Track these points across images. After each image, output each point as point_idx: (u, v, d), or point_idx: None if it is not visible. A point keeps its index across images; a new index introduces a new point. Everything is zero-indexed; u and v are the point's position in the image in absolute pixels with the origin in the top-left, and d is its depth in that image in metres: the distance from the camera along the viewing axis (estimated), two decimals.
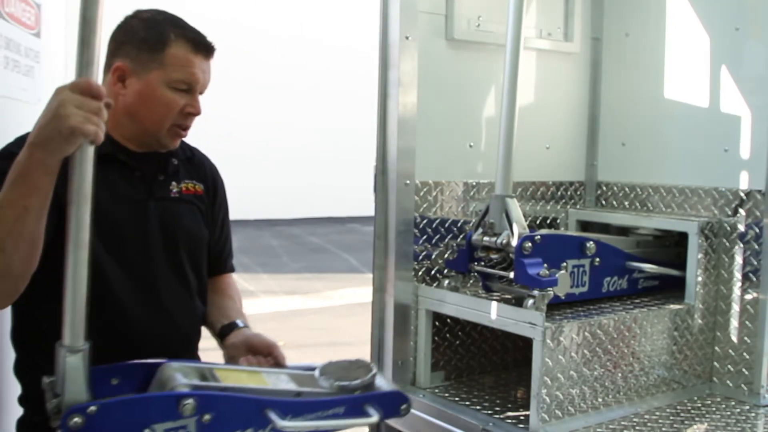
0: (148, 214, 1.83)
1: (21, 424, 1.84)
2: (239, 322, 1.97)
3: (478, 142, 2.49)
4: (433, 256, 2.36)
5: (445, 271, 2.33)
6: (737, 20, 2.39)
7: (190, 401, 1.52)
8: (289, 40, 16.57)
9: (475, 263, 2.19)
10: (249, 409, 1.61)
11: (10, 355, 1.90)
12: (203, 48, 1.83)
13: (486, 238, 2.11)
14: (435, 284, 2.34)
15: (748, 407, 2.22)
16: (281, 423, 1.60)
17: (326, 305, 9.19)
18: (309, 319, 8.35)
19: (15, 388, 1.88)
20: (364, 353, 2.47)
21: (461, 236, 2.37)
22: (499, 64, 2.18)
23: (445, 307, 2.21)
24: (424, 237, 2.35)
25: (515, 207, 2.09)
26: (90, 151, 1.43)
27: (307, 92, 16.92)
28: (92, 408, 1.45)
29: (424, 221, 2.35)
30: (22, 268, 1.52)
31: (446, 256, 2.34)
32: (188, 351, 1.91)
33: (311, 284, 10.18)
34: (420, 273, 2.34)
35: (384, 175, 2.28)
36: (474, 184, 2.47)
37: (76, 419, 1.43)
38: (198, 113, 1.85)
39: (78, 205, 1.42)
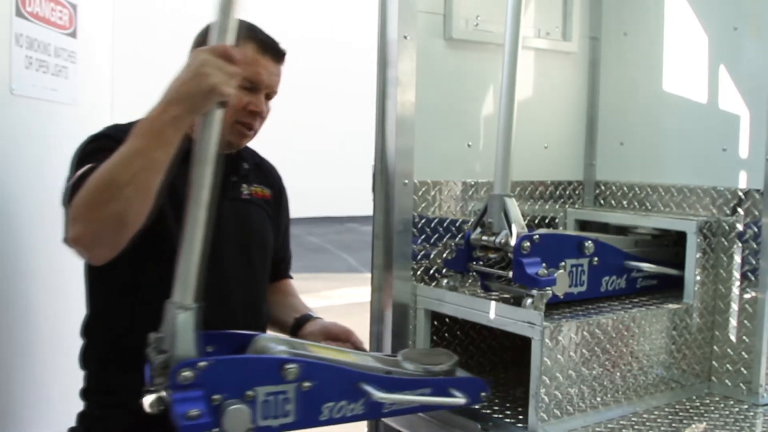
0: (222, 213, 1.86)
1: (82, 417, 1.86)
2: (312, 314, 2.06)
3: (476, 142, 2.49)
4: (432, 256, 2.36)
5: (444, 270, 2.33)
6: (736, 20, 2.39)
7: (293, 366, 1.57)
8: (288, 40, 16.56)
9: (474, 263, 2.19)
10: (346, 380, 1.67)
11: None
12: (271, 50, 1.88)
13: (484, 238, 2.11)
14: (434, 284, 2.34)
15: (746, 406, 2.22)
16: (379, 395, 1.68)
17: (325, 305, 9.18)
18: None
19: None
20: None
21: (460, 236, 2.37)
22: (497, 63, 2.18)
23: (444, 306, 2.20)
24: (423, 236, 2.35)
25: (514, 206, 2.09)
26: (219, 115, 1.53)
27: (305, 92, 16.91)
28: (203, 363, 1.48)
29: (423, 221, 2.35)
30: (134, 220, 1.53)
31: (445, 255, 2.34)
32: None
33: (310, 284, 10.18)
34: (419, 272, 2.34)
35: (382, 174, 2.28)
36: (472, 183, 2.47)
37: (186, 373, 1.46)
38: (260, 111, 1.88)
39: (202, 164, 1.50)
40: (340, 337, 1.98)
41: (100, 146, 1.66)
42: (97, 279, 1.83)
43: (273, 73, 1.90)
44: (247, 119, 1.88)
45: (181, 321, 1.49)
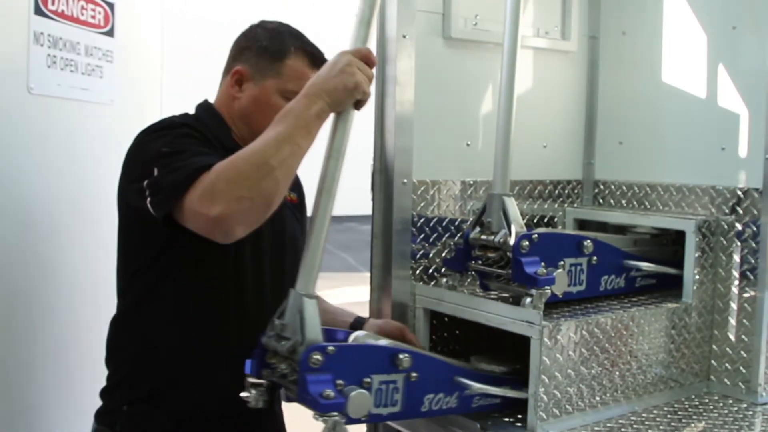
0: None
1: (104, 415, 1.86)
2: (362, 315, 2.14)
3: (475, 141, 2.49)
4: (431, 255, 2.36)
5: (443, 269, 2.33)
6: (734, 19, 2.39)
7: (406, 356, 1.69)
8: None
9: (473, 262, 2.18)
10: (445, 374, 1.83)
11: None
12: (320, 63, 1.88)
13: (483, 237, 2.10)
14: (432, 283, 2.34)
15: (745, 405, 2.22)
16: (477, 386, 1.86)
17: None
18: None
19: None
20: None
21: (459, 235, 2.36)
22: (496, 62, 2.18)
23: (443, 305, 2.20)
24: (422, 236, 2.35)
25: (513, 205, 2.08)
26: (353, 114, 1.70)
27: None
28: (331, 348, 1.59)
29: (422, 220, 2.35)
30: (277, 201, 1.61)
31: (444, 255, 2.34)
32: None
33: None
34: (417, 272, 2.34)
35: (381, 173, 2.28)
36: (471, 182, 2.46)
37: (316, 356, 1.56)
38: None
39: (335, 158, 1.66)
40: (396, 334, 2.02)
41: (184, 133, 1.72)
42: (143, 269, 1.83)
43: None
44: None
45: (309, 308, 1.60)
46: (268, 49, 1.89)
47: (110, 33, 2.44)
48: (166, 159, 1.66)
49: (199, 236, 1.62)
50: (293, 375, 1.59)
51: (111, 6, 2.43)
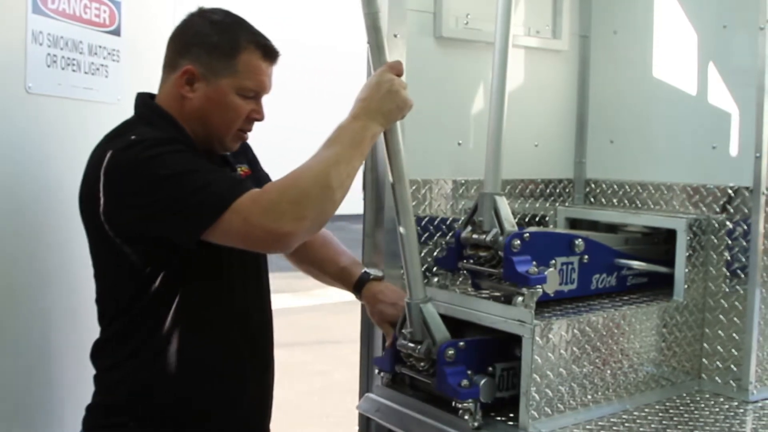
0: None
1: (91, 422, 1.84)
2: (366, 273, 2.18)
3: (466, 140, 2.49)
4: (422, 254, 2.36)
5: (435, 269, 2.32)
6: (725, 18, 2.40)
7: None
8: (279, 42, 16.52)
9: (464, 261, 2.18)
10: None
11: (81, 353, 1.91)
12: (272, 54, 1.85)
13: (475, 236, 2.10)
14: (424, 282, 2.33)
15: (736, 403, 2.22)
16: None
17: (316, 303, 9.17)
18: (298, 317, 8.34)
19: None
20: (353, 351, 2.46)
21: (450, 234, 2.36)
22: (487, 62, 2.18)
23: (434, 305, 2.19)
24: None
25: (504, 205, 2.08)
26: (398, 127, 1.83)
27: (296, 91, 16.90)
28: (462, 344, 1.89)
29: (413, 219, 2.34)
30: (332, 214, 1.68)
31: (435, 254, 2.34)
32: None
33: (301, 282, 10.11)
34: None
35: (372, 173, 2.28)
36: (463, 181, 2.46)
37: (450, 352, 1.87)
38: (262, 119, 1.87)
39: (401, 183, 1.87)
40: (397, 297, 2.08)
41: (177, 149, 1.68)
42: (137, 292, 1.76)
43: (270, 77, 1.86)
44: (248, 126, 1.87)
45: (429, 311, 1.90)
46: (219, 46, 1.78)
47: (116, 32, 2.41)
48: (182, 179, 1.61)
49: (196, 254, 1.66)
50: (432, 369, 1.91)
51: (117, 5, 2.41)
